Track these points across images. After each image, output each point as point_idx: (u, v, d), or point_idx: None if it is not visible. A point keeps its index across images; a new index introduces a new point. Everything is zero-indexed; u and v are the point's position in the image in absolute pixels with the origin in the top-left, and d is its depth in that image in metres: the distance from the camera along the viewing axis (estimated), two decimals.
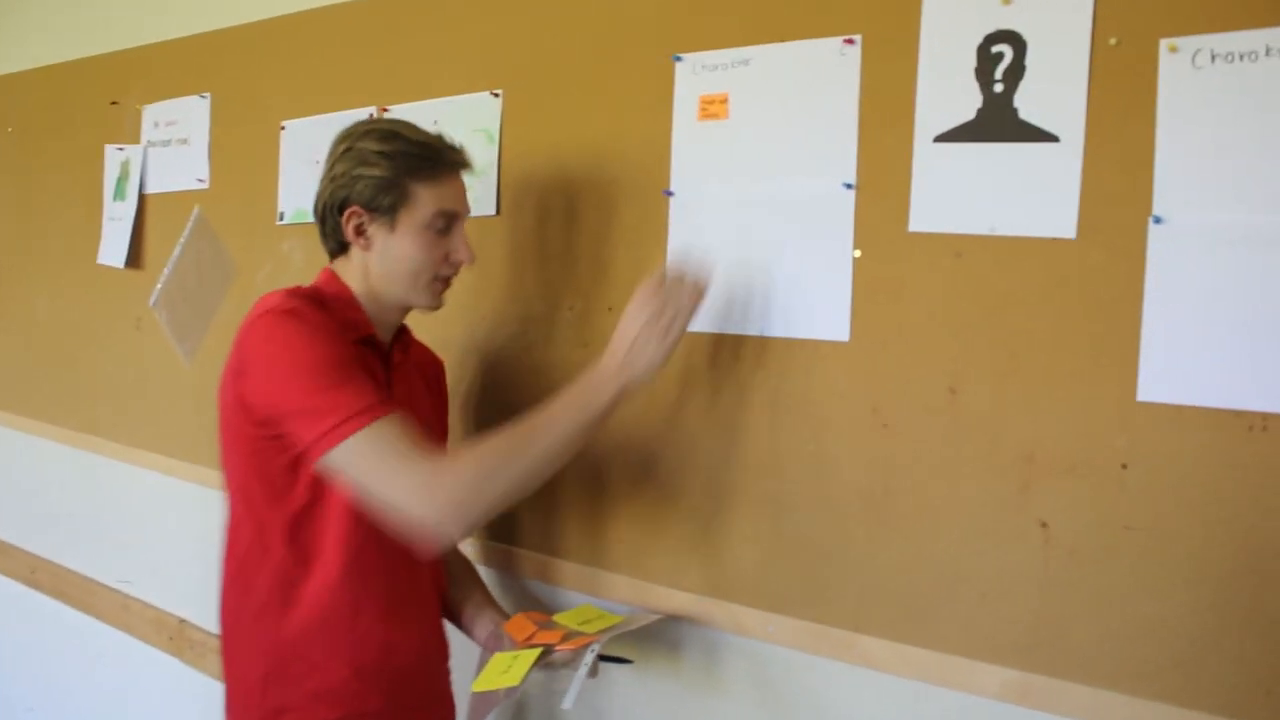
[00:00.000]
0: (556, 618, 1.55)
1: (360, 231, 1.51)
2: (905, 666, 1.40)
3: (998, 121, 1.33)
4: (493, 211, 1.84)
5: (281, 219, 2.21)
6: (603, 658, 1.51)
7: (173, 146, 2.54)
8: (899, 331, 1.41)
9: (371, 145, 1.49)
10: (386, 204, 1.49)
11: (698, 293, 1.43)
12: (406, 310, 1.59)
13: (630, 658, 1.60)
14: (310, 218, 2.13)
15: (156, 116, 2.58)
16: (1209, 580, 1.19)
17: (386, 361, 1.58)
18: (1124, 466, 1.24)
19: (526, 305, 1.81)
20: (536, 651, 1.43)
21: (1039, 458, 1.30)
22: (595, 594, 1.73)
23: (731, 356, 1.57)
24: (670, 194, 1.62)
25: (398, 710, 1.55)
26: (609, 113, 1.71)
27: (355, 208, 1.49)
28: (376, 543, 1.46)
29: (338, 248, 1.57)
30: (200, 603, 2.47)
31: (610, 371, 1.39)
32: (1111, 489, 1.25)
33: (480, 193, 1.84)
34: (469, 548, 1.88)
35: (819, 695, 1.50)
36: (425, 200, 1.49)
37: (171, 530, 2.58)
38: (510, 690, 1.37)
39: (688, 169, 1.61)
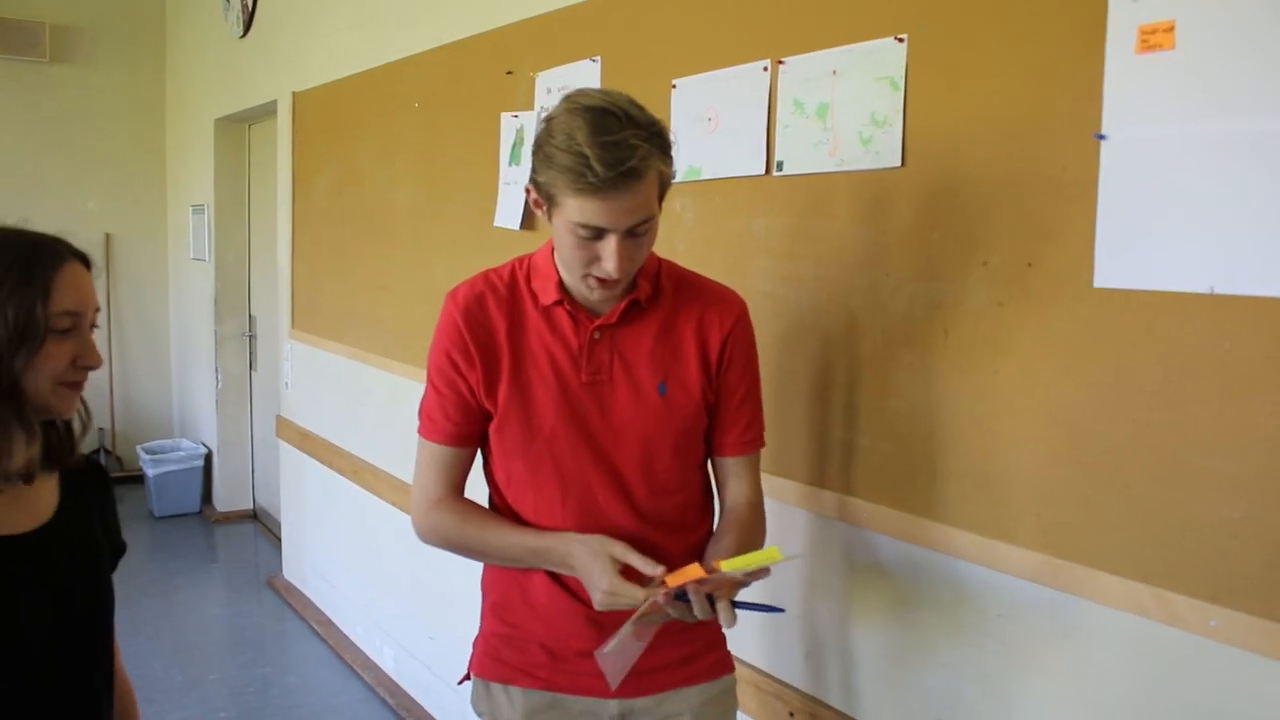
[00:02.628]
0: (722, 565, 1.41)
1: (539, 204, 1.52)
2: None
3: None
4: (896, 164, 1.75)
5: (673, 177, 2.21)
6: (746, 605, 1.43)
7: None
8: None
9: (557, 134, 1.45)
10: (545, 196, 1.49)
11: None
12: None
13: (781, 607, 1.46)
14: (703, 176, 2.16)
15: (549, 83, 2.69)
16: None
17: (598, 326, 1.59)
18: None
19: (933, 262, 1.72)
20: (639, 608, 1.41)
21: None
22: (991, 566, 1.64)
23: (1179, 317, 1.41)
24: (1102, 137, 1.47)
25: None
26: (1027, 51, 1.57)
27: (529, 185, 1.53)
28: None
29: None
30: None
31: (566, 566, 1.55)
32: None
33: (883, 145, 1.76)
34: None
35: (1271, 704, 1.33)
36: (569, 209, 1.46)
37: None
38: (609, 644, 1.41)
39: (1123, 109, 1.45)
